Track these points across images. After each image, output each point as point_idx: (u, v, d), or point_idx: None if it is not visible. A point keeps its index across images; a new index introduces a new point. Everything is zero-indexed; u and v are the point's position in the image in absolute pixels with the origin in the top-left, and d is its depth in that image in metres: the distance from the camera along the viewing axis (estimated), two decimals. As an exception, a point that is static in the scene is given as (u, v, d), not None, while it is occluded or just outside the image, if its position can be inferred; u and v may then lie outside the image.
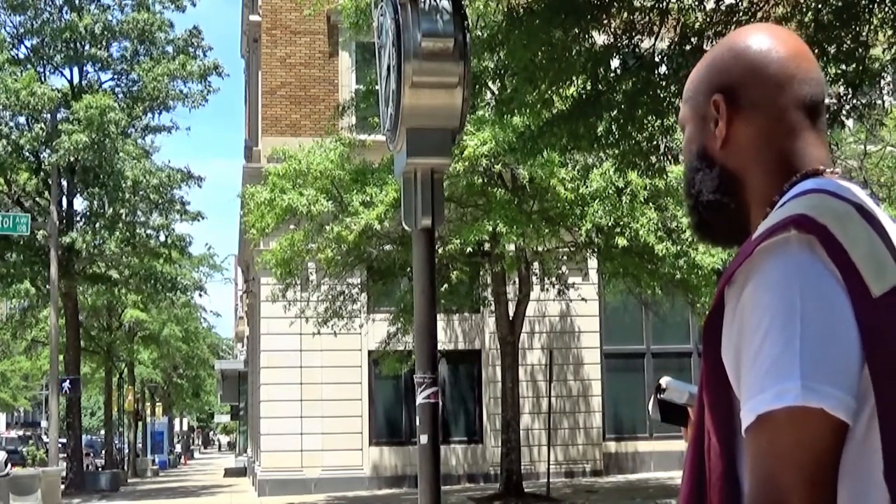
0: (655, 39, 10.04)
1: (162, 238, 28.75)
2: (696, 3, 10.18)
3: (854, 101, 10.05)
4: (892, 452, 1.28)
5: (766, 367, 1.29)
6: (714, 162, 1.55)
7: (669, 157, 10.64)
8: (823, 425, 1.27)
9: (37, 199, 28.01)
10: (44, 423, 59.66)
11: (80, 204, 28.35)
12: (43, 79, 27.19)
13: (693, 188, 1.58)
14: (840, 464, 1.30)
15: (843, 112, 10.14)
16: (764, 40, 1.53)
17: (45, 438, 46.45)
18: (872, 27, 9.41)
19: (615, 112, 10.01)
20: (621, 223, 16.43)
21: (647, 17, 9.99)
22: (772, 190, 1.48)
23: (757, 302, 1.33)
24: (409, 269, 15.10)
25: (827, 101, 1.68)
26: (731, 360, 1.37)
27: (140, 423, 47.81)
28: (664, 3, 9.97)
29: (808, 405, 1.26)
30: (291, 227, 17.75)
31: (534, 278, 19.05)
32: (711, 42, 9.76)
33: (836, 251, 1.33)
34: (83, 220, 27.88)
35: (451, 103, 5.58)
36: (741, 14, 9.80)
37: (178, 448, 64.97)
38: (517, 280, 18.87)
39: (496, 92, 16.99)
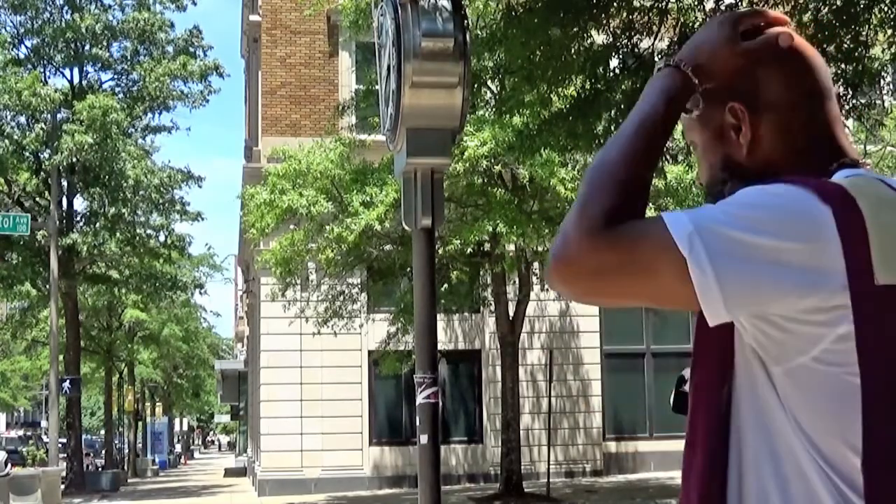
0: (655, 39, 10.03)
1: (162, 238, 28.76)
2: (696, 2, 10.18)
3: (854, 101, 10.04)
4: (872, 451, 1.28)
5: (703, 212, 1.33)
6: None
7: (668, 157, 10.63)
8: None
9: (37, 199, 27.99)
10: (44, 423, 59.60)
11: (80, 204, 28.39)
12: (44, 79, 27.19)
13: None
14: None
15: (843, 112, 10.13)
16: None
17: (45, 438, 46.40)
18: (872, 27, 9.40)
19: (614, 112, 9.99)
20: (621, 223, 16.39)
21: (647, 17, 9.98)
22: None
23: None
24: (409, 269, 15.10)
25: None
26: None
27: (140, 423, 47.78)
28: (664, 3, 9.97)
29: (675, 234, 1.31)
30: (291, 226, 17.75)
31: (534, 278, 19.05)
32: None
33: (851, 219, 1.29)
34: (83, 220, 27.88)
35: (451, 103, 5.57)
36: (741, 14, 9.77)
37: (178, 448, 64.91)
38: (517, 280, 18.86)
39: (496, 91, 16.98)
